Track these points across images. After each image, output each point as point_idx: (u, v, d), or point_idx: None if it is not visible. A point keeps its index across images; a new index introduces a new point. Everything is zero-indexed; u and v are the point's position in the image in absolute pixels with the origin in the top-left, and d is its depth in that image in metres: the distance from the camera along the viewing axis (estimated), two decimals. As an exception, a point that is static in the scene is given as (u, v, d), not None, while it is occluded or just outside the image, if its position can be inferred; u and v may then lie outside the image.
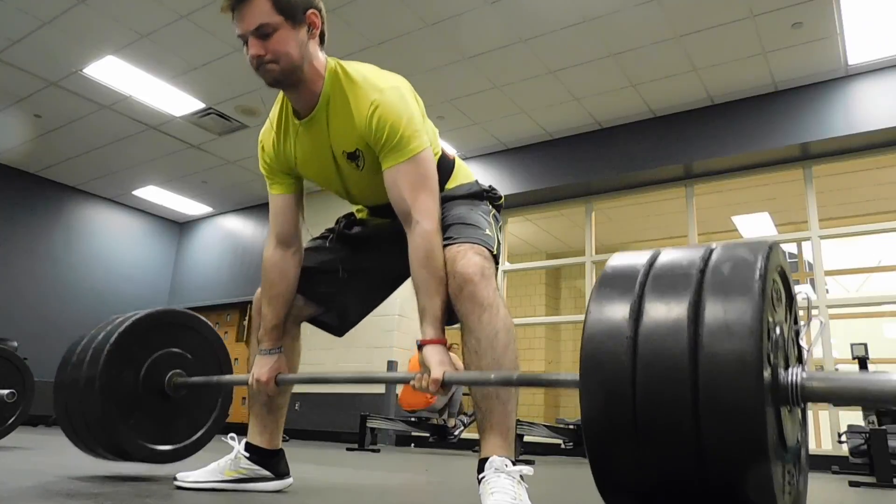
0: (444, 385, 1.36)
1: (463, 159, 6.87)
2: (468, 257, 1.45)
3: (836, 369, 5.26)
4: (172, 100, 6.03)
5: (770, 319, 0.88)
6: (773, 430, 0.84)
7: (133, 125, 6.56)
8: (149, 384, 1.85)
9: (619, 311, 0.91)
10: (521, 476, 1.35)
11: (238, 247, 8.65)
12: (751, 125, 5.42)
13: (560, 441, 5.34)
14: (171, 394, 1.88)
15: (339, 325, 1.84)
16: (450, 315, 1.50)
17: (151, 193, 8.46)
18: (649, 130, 5.91)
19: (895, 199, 6.53)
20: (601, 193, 6.43)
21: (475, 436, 1.49)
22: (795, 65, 5.02)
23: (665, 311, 0.88)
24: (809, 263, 6.74)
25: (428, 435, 5.63)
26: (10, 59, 5.43)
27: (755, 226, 7.59)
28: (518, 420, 4.92)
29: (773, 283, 0.92)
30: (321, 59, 1.57)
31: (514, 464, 1.36)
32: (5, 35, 5.11)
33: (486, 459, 1.37)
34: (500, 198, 1.73)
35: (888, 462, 3.28)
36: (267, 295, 1.70)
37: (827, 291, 5.53)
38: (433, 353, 1.41)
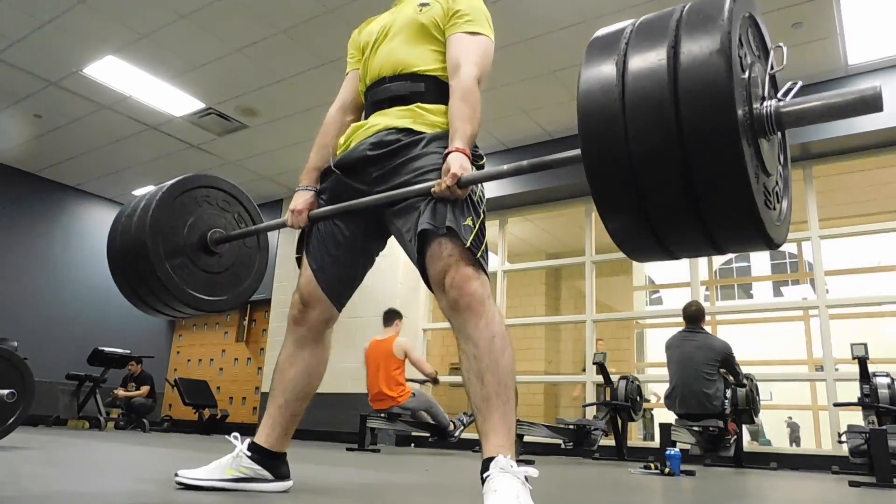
0: (462, 185, 1.48)
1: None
2: (461, 271, 1.48)
3: (837, 370, 5.26)
4: (172, 100, 6.03)
5: (740, 53, 0.97)
6: (750, 154, 0.93)
7: (133, 125, 6.56)
8: (194, 239, 2.04)
9: (606, 67, 1.02)
10: (525, 477, 1.35)
11: (238, 247, 8.64)
12: (751, 125, 5.42)
13: (560, 441, 5.34)
14: (214, 249, 2.07)
15: (329, 295, 1.78)
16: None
17: (151, 193, 8.46)
18: (649, 130, 5.90)
19: (895, 199, 6.53)
20: (601, 193, 6.42)
21: (475, 436, 1.49)
22: (795, 65, 5.01)
23: (646, 58, 0.99)
24: (809, 263, 6.74)
25: (428, 435, 5.63)
26: (10, 59, 5.43)
27: (755, 226, 7.56)
28: (518, 420, 4.91)
29: (743, 21, 1.02)
30: None
31: (518, 465, 1.37)
32: (5, 35, 5.11)
33: (490, 459, 1.38)
34: (482, 157, 1.71)
35: (888, 462, 3.28)
36: (319, 143, 1.88)
37: (827, 291, 5.52)
38: (456, 159, 1.51)
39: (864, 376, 4.19)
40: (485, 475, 1.36)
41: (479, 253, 1.52)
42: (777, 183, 1.09)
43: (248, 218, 2.23)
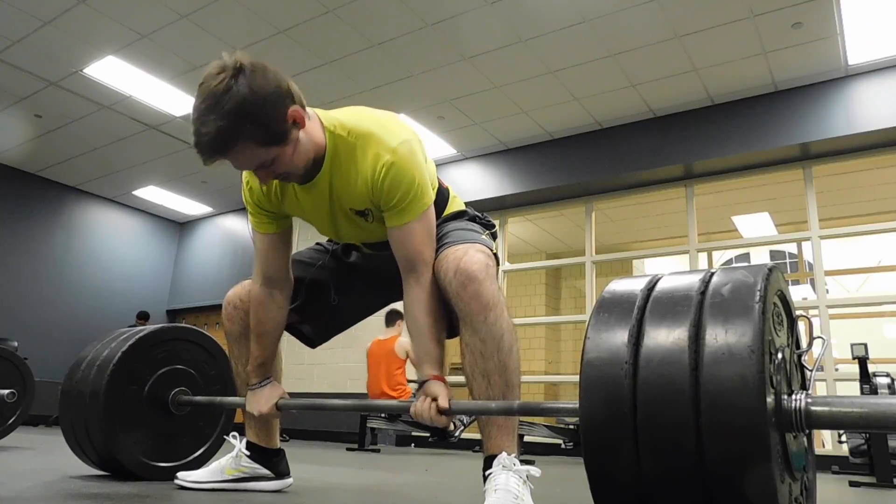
0: (447, 414, 1.38)
1: (463, 159, 6.80)
2: (470, 255, 1.43)
3: (837, 370, 5.26)
4: (172, 100, 6.03)
5: (772, 342, 0.86)
6: (777, 456, 0.81)
7: (133, 125, 6.56)
8: (153, 401, 1.87)
9: (617, 336, 0.90)
10: (527, 476, 1.35)
11: (238, 247, 8.65)
12: (751, 125, 5.42)
13: (560, 441, 5.34)
14: (175, 411, 1.90)
15: (314, 338, 1.84)
16: (451, 328, 1.50)
17: (151, 193, 8.46)
18: (649, 130, 5.91)
19: (895, 199, 6.53)
20: (601, 193, 6.43)
21: (476, 436, 1.48)
22: (795, 65, 5.01)
23: (665, 335, 0.87)
24: (809, 263, 6.74)
25: (428, 435, 5.63)
26: (10, 59, 5.43)
27: (755, 226, 7.58)
28: (518, 420, 4.92)
29: (774, 305, 0.91)
30: (318, 131, 1.46)
31: (521, 464, 1.36)
32: (5, 35, 5.11)
33: (493, 456, 1.37)
34: (494, 225, 1.73)
35: (888, 462, 3.28)
36: (255, 332, 1.65)
37: (827, 291, 5.53)
38: (438, 387, 1.40)
39: (864, 376, 4.18)
40: (487, 472, 1.36)
41: (493, 250, 1.56)
42: (803, 483, 0.99)
43: (215, 370, 2.02)
